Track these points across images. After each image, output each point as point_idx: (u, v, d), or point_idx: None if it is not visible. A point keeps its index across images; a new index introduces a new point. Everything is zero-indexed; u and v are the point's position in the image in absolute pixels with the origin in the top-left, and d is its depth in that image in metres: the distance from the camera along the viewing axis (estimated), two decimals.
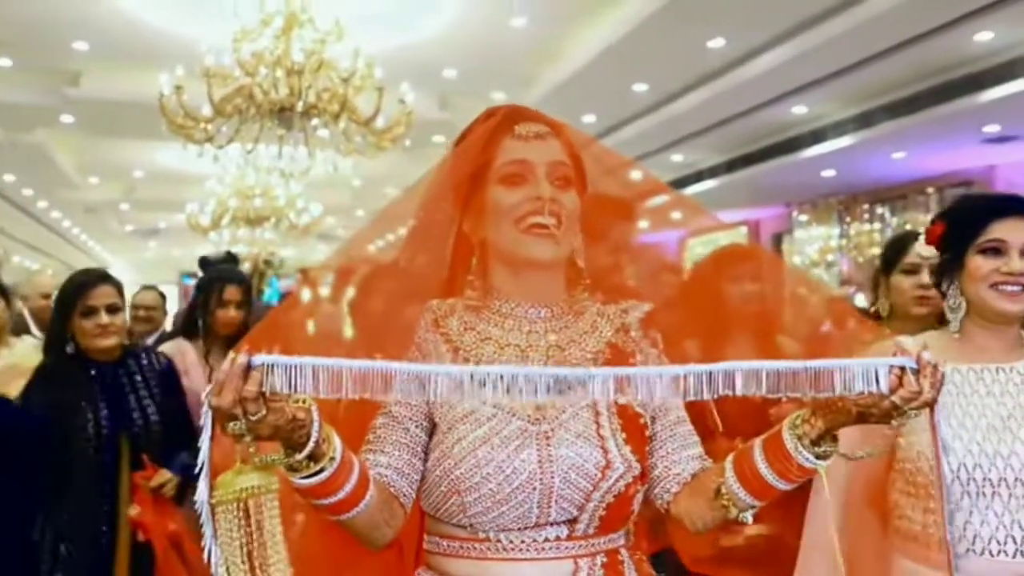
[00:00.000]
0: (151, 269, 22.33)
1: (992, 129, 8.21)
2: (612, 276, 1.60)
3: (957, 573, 1.68)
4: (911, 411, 1.17)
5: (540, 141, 1.41)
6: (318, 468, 1.17)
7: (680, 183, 11.84)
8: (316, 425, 1.14)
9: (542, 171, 1.39)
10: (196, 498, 1.14)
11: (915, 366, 1.16)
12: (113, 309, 2.90)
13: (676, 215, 1.92)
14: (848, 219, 12.07)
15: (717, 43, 7.31)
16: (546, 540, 1.34)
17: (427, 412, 1.39)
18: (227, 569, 1.18)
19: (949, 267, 1.88)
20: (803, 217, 12.87)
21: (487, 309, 1.44)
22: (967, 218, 1.88)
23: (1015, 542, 1.69)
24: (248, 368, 1.07)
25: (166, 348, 3.56)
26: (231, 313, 3.52)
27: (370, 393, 1.10)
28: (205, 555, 1.16)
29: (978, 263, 1.81)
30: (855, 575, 1.80)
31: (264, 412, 1.08)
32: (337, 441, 1.19)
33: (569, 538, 1.34)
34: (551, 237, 1.36)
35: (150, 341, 4.99)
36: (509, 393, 1.12)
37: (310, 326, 1.47)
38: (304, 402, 1.12)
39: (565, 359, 1.39)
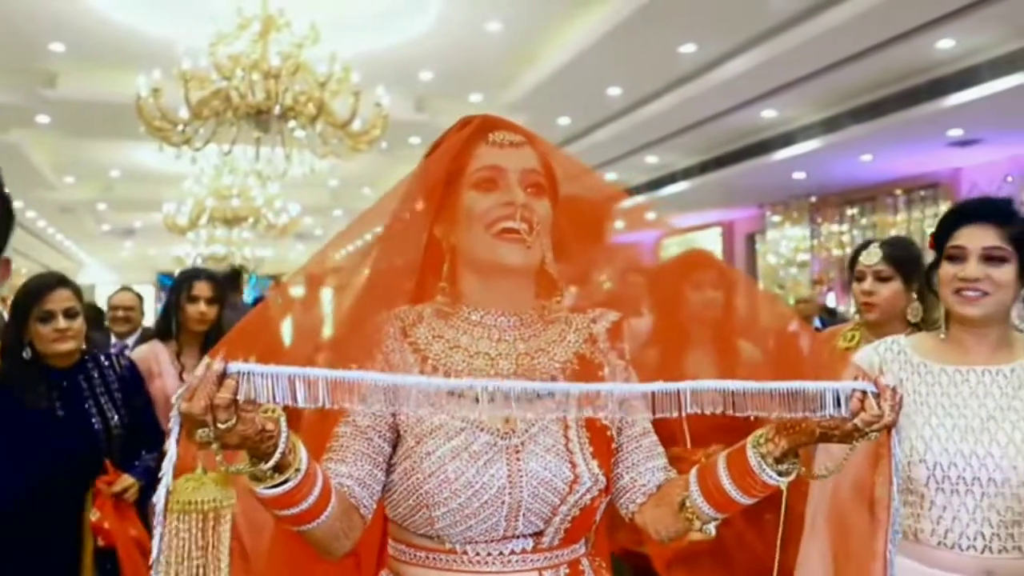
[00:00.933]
0: (127, 269, 22.20)
1: (956, 133, 8.38)
2: (583, 282, 1.61)
3: (929, 566, 1.77)
4: (872, 433, 1.20)
5: (514, 149, 1.42)
6: (283, 479, 1.15)
7: (655, 184, 11.99)
8: (284, 436, 1.12)
9: (515, 178, 1.39)
10: (154, 500, 1.10)
11: (875, 390, 1.20)
12: (71, 313, 2.79)
13: (646, 219, 1.98)
14: (819, 220, 12.28)
15: (688, 48, 7.43)
16: (512, 552, 1.34)
17: (391, 423, 1.37)
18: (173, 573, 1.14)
19: (935, 272, 1.93)
20: (776, 218, 13.06)
21: (456, 316, 1.43)
22: (942, 225, 1.92)
23: (984, 538, 1.74)
24: (223, 375, 1.05)
25: (140, 351, 3.62)
26: (201, 308, 3.55)
27: (346, 403, 1.09)
28: (152, 558, 1.13)
29: (945, 269, 1.86)
30: (845, 568, 1.86)
31: (234, 421, 1.06)
32: (303, 452, 1.17)
33: (535, 550, 1.35)
34: (522, 242, 1.36)
35: (130, 341, 5.07)
36: (480, 404, 1.12)
37: (283, 332, 1.44)
38: (273, 412, 1.11)
39: (534, 368, 1.39)
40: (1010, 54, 6.82)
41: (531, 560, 1.35)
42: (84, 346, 2.93)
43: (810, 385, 1.18)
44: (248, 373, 1.05)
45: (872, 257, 2.74)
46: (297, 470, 1.15)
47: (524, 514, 1.32)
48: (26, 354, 2.77)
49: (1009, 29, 6.55)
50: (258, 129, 6.66)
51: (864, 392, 1.19)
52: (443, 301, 1.43)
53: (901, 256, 2.74)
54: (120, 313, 5.22)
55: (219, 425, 1.05)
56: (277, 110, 6.41)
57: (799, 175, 10.57)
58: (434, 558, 1.35)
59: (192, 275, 3.70)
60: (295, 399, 1.07)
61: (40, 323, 2.75)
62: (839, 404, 1.18)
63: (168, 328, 3.63)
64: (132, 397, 2.97)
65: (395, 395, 1.11)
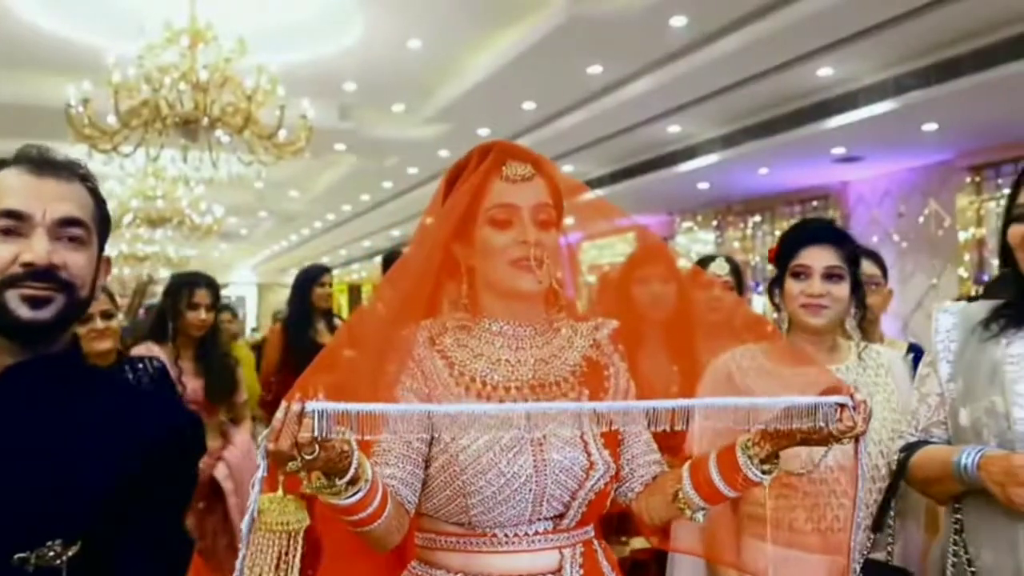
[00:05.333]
0: None
1: (839, 151, 9.12)
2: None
3: (808, 552, 1.95)
4: (845, 439, 1.37)
5: (526, 183, 1.56)
6: (355, 490, 1.29)
7: None
8: (355, 454, 1.26)
9: (527, 215, 1.54)
10: (242, 525, 1.24)
11: (852, 403, 1.34)
12: (106, 315, 3.04)
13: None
14: (725, 227, 13.02)
15: (595, 69, 7.95)
16: (536, 533, 1.50)
17: (426, 424, 1.47)
18: None
19: (778, 286, 2.14)
20: (686, 224, 13.78)
21: (478, 328, 1.59)
22: (785, 244, 2.14)
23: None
24: (302, 414, 1.17)
25: (136, 351, 3.56)
26: (201, 315, 3.69)
27: (409, 432, 1.25)
28: (235, 573, 1.25)
29: (790, 285, 2.09)
30: (715, 548, 2.06)
31: (319, 451, 1.19)
32: (368, 465, 1.31)
33: (555, 531, 1.51)
34: (535, 273, 1.53)
35: None
36: (512, 421, 1.30)
37: (340, 357, 1.57)
38: (344, 433, 1.22)
39: (549, 371, 1.57)
40: (881, 83, 7.55)
41: (552, 539, 1.52)
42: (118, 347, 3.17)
43: (796, 400, 1.35)
44: (323, 411, 1.17)
45: (724, 267, 3.24)
46: (366, 481, 1.30)
47: (548, 499, 1.49)
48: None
49: (878, 62, 7.28)
50: (186, 138, 6.91)
51: (842, 405, 1.35)
52: (464, 316, 1.60)
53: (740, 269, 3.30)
54: None
55: (305, 457, 1.19)
56: (205, 121, 6.69)
57: (703, 185, 11.24)
58: (464, 542, 1.50)
59: (192, 282, 3.78)
60: (363, 432, 1.20)
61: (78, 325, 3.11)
62: (822, 416, 1.33)
63: (163, 331, 3.73)
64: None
65: (454, 421, 1.27)
